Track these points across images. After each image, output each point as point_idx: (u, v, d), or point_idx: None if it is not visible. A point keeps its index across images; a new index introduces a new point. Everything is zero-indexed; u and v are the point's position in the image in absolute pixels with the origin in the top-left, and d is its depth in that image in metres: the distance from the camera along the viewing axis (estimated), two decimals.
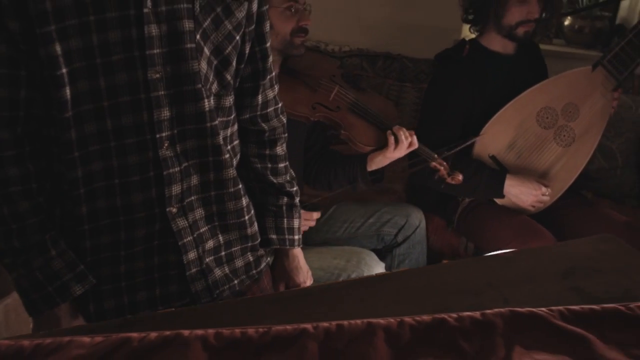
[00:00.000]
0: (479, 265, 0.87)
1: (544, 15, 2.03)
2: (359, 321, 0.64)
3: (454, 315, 0.67)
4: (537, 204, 1.98)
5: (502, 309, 0.68)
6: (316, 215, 1.74)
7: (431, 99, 2.12)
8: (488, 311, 0.67)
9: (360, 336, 0.63)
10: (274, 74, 1.15)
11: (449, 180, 1.83)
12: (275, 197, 1.21)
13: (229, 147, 1.08)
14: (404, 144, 1.70)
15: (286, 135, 1.22)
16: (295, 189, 1.24)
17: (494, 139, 2.00)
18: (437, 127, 2.01)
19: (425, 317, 0.66)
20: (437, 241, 2.19)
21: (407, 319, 0.66)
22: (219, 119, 1.02)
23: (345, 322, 0.64)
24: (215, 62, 0.99)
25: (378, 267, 1.77)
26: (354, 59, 2.97)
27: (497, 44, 2.06)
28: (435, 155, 1.82)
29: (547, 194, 1.98)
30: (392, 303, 0.73)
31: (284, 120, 1.20)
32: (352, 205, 1.99)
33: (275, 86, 1.16)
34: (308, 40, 3.03)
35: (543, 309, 0.69)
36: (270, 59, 1.12)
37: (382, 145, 1.72)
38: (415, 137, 1.74)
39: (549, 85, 2.01)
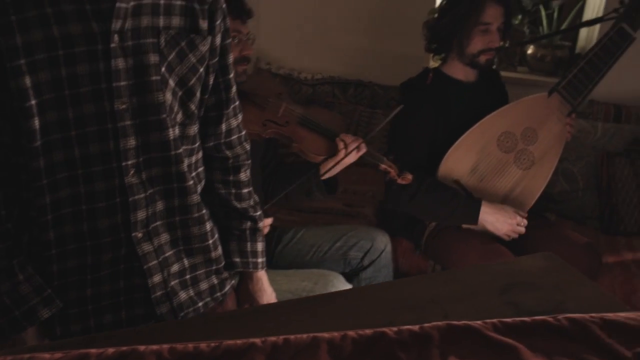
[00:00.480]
0: (424, 282, 0.92)
1: (502, 44, 2.13)
2: (304, 335, 0.69)
3: (394, 328, 0.71)
4: (511, 234, 2.02)
5: (439, 322, 0.73)
6: (268, 221, 1.78)
7: (398, 126, 2.18)
8: (426, 324, 0.73)
9: (305, 349, 0.67)
10: (237, 103, 1.20)
11: (400, 180, 1.91)
12: (239, 221, 1.25)
13: (193, 173, 1.12)
14: (354, 149, 1.79)
15: (250, 162, 1.26)
16: (258, 213, 1.28)
17: (457, 163, 2.06)
18: (405, 152, 2.07)
19: (367, 331, 0.71)
20: (406, 264, 2.23)
21: (350, 333, 0.70)
22: (183, 147, 1.06)
23: (292, 336, 0.69)
24: (179, 93, 1.04)
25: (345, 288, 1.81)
26: (326, 87, 3.04)
27: (460, 72, 2.15)
28: (385, 158, 1.91)
29: (522, 224, 2.02)
30: (339, 319, 0.78)
31: (248, 147, 1.25)
32: (320, 229, 2.03)
33: (239, 115, 1.21)
34: (282, 68, 3.14)
35: (478, 321, 0.74)
36: (234, 89, 1.17)
37: (333, 153, 1.79)
38: (363, 142, 1.82)
39: (509, 111, 2.09)
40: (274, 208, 1.99)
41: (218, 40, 1.08)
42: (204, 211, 1.14)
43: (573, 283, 0.90)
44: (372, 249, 1.92)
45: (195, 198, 1.11)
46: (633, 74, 2.84)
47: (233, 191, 1.23)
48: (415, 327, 0.72)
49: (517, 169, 2.09)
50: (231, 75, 1.15)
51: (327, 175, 1.83)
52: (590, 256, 2.04)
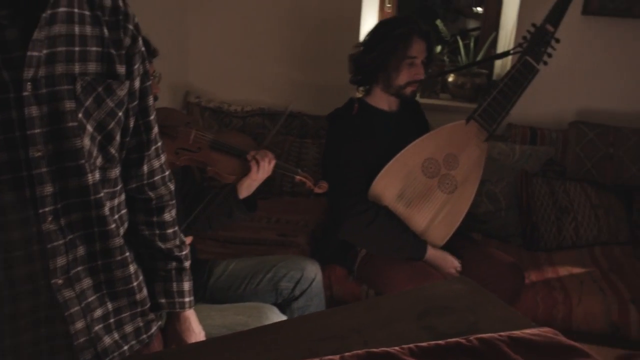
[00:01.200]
0: (347, 311, 0.96)
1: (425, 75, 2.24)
2: None
3: (317, 359, 0.75)
4: (447, 276, 2.12)
5: (359, 351, 0.77)
6: (188, 240, 1.78)
7: (328, 158, 2.24)
8: (347, 353, 0.76)
9: None
10: (160, 144, 1.20)
11: (316, 190, 1.99)
12: (164, 262, 1.24)
13: (115, 216, 1.11)
14: (265, 163, 1.84)
15: (174, 202, 1.26)
16: (184, 252, 1.28)
17: (385, 190, 2.13)
18: (341, 183, 2.13)
19: None
20: (340, 290, 2.28)
21: None
22: (104, 191, 1.06)
23: None
24: (98, 138, 1.03)
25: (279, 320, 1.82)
26: (256, 118, 3.08)
27: (384, 102, 2.24)
28: (299, 170, 1.99)
29: (458, 269, 2.14)
30: (265, 352, 0.80)
31: (172, 187, 1.25)
32: (251, 260, 2.03)
33: (162, 155, 1.21)
34: (212, 101, 3.15)
35: (396, 347, 0.78)
36: (155, 130, 1.17)
37: (246, 171, 1.84)
38: (272, 155, 1.88)
39: (430, 138, 2.19)
40: (198, 237, 2.00)
41: (137, 83, 1.08)
42: (127, 254, 1.13)
43: (485, 304, 0.96)
44: (302, 278, 1.94)
45: (118, 241, 1.10)
46: (546, 99, 3.04)
47: (157, 232, 1.22)
48: (336, 357, 0.75)
49: (442, 193, 2.18)
50: (152, 117, 1.15)
51: (245, 194, 1.86)
52: (515, 274, 2.15)
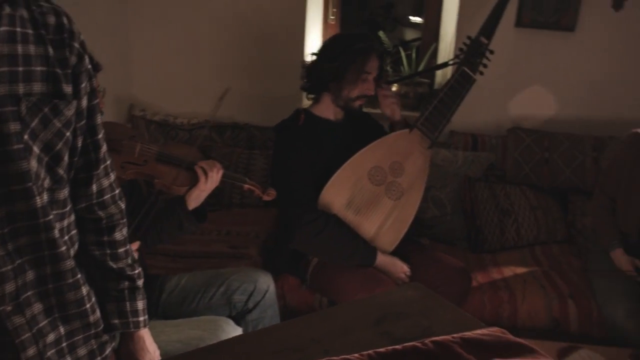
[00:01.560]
0: (305, 323, 0.98)
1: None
2: None
3: None
4: (397, 281, 2.16)
5: (321, 359, 0.79)
6: (135, 245, 1.77)
7: (277, 168, 2.26)
8: None
9: None
10: (109, 162, 1.18)
11: (265, 197, 2.02)
12: (116, 282, 1.22)
13: (65, 238, 1.08)
14: (212, 173, 1.84)
15: (125, 220, 1.24)
16: (137, 271, 1.26)
17: (334, 199, 2.17)
18: (289, 193, 2.16)
19: None
20: (293, 300, 2.30)
21: None
22: (53, 213, 1.03)
23: None
24: (46, 159, 1.01)
25: (235, 333, 1.82)
26: (203, 131, 3.07)
27: (330, 112, 2.28)
28: (246, 179, 2.01)
29: (408, 274, 2.19)
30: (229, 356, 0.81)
31: (122, 206, 1.23)
32: (203, 274, 2.01)
33: (111, 174, 1.19)
34: (157, 114, 3.12)
35: (355, 354, 0.81)
36: (104, 148, 1.15)
37: (194, 182, 1.84)
38: (219, 165, 1.88)
39: (376, 147, 2.23)
40: (148, 252, 1.98)
41: (84, 102, 1.06)
42: (79, 275, 1.10)
43: (437, 308, 1.00)
44: (255, 290, 1.94)
45: (69, 263, 1.07)
46: (485, 107, 3.16)
47: (108, 252, 1.20)
48: None
49: (389, 199, 2.23)
50: (100, 136, 1.13)
51: (194, 205, 1.86)
52: (463, 277, 2.23)
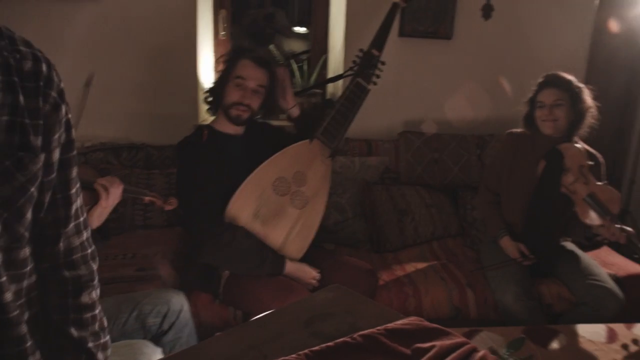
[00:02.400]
0: (238, 333, 1.02)
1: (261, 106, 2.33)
2: None
3: None
4: (308, 286, 2.24)
5: None
6: None
7: (182, 185, 2.26)
8: None
9: None
10: (82, 219, 1.07)
11: (166, 207, 2.04)
12: (73, 355, 1.06)
13: (21, 300, 0.98)
14: (113, 188, 1.83)
15: (96, 282, 1.13)
16: (102, 341, 1.11)
17: (240, 211, 2.21)
18: (196, 209, 2.17)
19: None
20: (208, 316, 2.28)
21: None
22: (8, 274, 0.93)
23: None
24: (4, 215, 0.91)
25: (155, 354, 1.79)
26: (98, 154, 2.97)
27: (229, 127, 2.32)
28: (147, 191, 2.02)
29: (317, 278, 2.26)
30: None
31: (94, 266, 1.12)
32: (114, 300, 1.92)
33: (84, 232, 1.08)
34: None
35: (293, 355, 0.86)
36: (76, 204, 1.05)
37: (96, 200, 1.81)
38: (119, 180, 1.87)
39: (279, 159, 2.30)
40: None
41: (56, 155, 0.96)
42: (27, 344, 0.97)
43: (359, 305, 1.08)
44: (169, 311, 1.89)
45: (19, 330, 0.95)
46: (377, 113, 3.32)
47: (72, 316, 1.06)
48: None
49: (294, 209, 2.30)
50: (72, 191, 1.03)
51: (97, 223, 1.82)
52: (370, 277, 2.33)
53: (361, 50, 2.43)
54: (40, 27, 2.93)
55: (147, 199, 1.98)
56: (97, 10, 2.94)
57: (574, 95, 2.47)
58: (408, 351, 0.91)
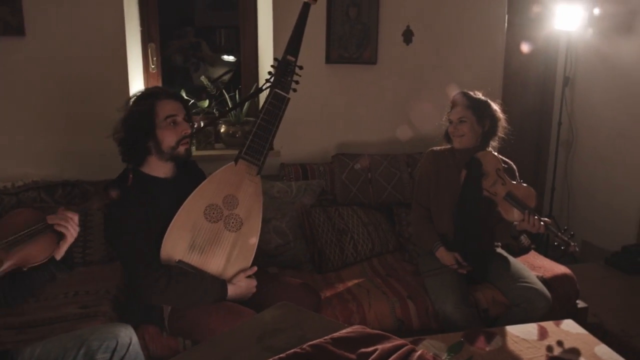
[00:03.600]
0: (196, 354, 1.07)
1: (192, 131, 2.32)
2: None
3: None
4: (250, 294, 2.29)
5: None
6: None
7: (111, 232, 2.22)
8: None
9: None
10: None
11: (113, 197, 1.94)
12: None
13: None
14: (72, 221, 1.80)
15: None
16: None
17: (175, 245, 2.20)
18: (128, 256, 2.15)
19: None
20: (158, 348, 2.27)
21: None
22: None
23: None
24: None
25: None
26: (31, 193, 2.91)
27: (159, 170, 2.29)
28: (88, 202, 2.01)
29: (253, 284, 2.29)
30: None
31: None
32: (59, 340, 1.89)
33: None
34: None
35: None
36: None
37: (59, 239, 1.80)
38: (62, 207, 1.84)
39: (205, 187, 2.30)
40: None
41: None
42: None
43: (306, 319, 1.15)
44: (118, 345, 1.87)
45: None
46: (310, 138, 3.45)
47: None
48: None
49: (230, 232, 2.29)
50: None
51: (61, 255, 1.82)
52: (310, 293, 2.38)
53: (276, 59, 2.41)
54: None
55: (94, 206, 1.95)
56: (23, 48, 2.91)
57: (478, 110, 2.69)
58: (354, 356, 0.99)
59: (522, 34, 4.06)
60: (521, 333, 2.20)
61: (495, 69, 3.81)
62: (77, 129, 3.06)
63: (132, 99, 2.30)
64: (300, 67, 2.39)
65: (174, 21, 4.51)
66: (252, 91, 3.10)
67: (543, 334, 2.20)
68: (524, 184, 2.60)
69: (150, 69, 3.40)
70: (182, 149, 2.26)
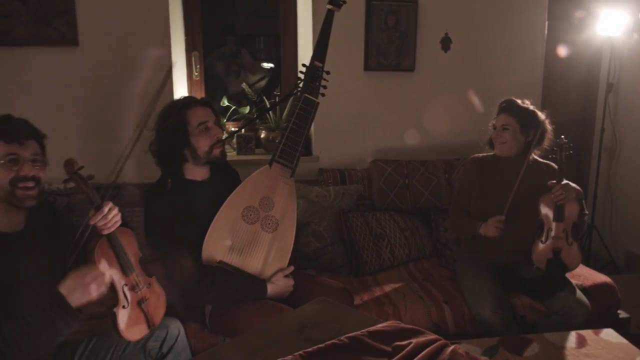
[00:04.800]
0: (241, 341, 1.13)
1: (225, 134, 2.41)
2: None
3: None
4: (288, 292, 2.34)
5: None
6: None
7: (152, 237, 2.28)
8: None
9: None
10: None
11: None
12: None
13: None
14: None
15: None
16: None
17: (215, 247, 2.27)
18: (171, 259, 2.21)
19: None
20: (198, 344, 2.33)
21: None
22: None
23: None
24: None
25: None
26: (81, 194, 3.01)
27: (196, 173, 2.38)
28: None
29: (290, 284, 2.34)
30: None
31: None
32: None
33: None
34: None
35: (289, 356, 0.98)
36: None
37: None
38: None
39: (242, 190, 2.36)
40: None
41: None
42: None
43: (344, 314, 1.20)
44: (168, 335, 2.00)
45: None
46: (348, 144, 3.50)
47: None
48: None
49: (267, 233, 2.36)
50: None
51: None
52: (344, 295, 2.42)
53: (304, 65, 2.46)
54: (24, 75, 3.03)
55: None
56: (77, 57, 3.06)
57: (523, 119, 2.68)
58: (389, 349, 1.03)
59: (563, 39, 4.02)
60: (559, 340, 2.18)
61: (535, 76, 3.79)
62: (125, 133, 3.18)
63: (167, 108, 2.38)
64: (328, 72, 2.44)
65: (216, 30, 4.64)
66: (282, 96, 3.16)
67: (581, 342, 2.18)
68: (576, 247, 2.62)
69: (194, 77, 3.51)
70: (217, 152, 2.35)
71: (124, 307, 1.82)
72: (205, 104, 2.38)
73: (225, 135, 2.36)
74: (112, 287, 1.81)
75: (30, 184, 1.73)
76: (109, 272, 1.79)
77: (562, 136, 2.63)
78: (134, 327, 1.85)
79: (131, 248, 1.90)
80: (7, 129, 1.72)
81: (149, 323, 1.92)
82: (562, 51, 3.96)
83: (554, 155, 2.63)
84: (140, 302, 1.90)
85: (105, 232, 1.80)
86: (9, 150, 1.71)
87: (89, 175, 1.80)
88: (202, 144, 2.31)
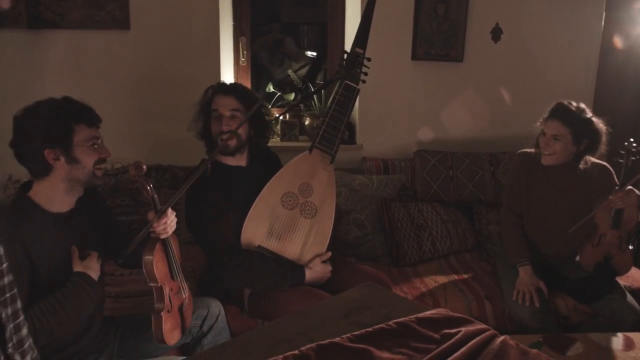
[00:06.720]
0: (286, 323, 1.13)
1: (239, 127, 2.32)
2: None
3: (280, 356, 0.92)
4: (326, 277, 2.36)
5: (311, 345, 0.95)
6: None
7: (193, 221, 2.31)
8: (302, 348, 0.94)
9: None
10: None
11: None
12: None
13: None
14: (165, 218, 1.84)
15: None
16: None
17: (254, 232, 2.29)
18: (210, 243, 2.25)
19: None
20: (237, 326, 2.36)
21: None
22: None
23: None
24: None
25: None
26: (127, 175, 3.10)
27: (229, 159, 2.38)
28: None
29: (328, 270, 2.35)
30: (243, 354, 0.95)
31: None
32: None
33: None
34: None
35: (337, 338, 0.98)
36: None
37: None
38: (153, 214, 1.84)
39: (282, 175, 2.37)
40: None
41: None
42: None
43: (392, 299, 1.19)
44: (208, 314, 2.04)
45: None
46: (392, 133, 3.47)
47: None
48: (296, 352, 0.92)
49: (305, 219, 2.37)
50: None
51: None
52: (383, 284, 2.38)
53: (345, 51, 2.44)
54: (78, 57, 3.11)
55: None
56: (128, 40, 3.12)
57: (577, 130, 2.45)
58: (437, 336, 1.02)
59: (621, 32, 3.87)
60: (604, 341, 2.11)
61: (588, 70, 3.67)
62: (170, 117, 3.23)
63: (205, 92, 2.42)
64: (369, 59, 2.42)
65: (262, 18, 4.66)
66: (323, 83, 3.14)
67: (629, 344, 2.11)
68: (629, 253, 2.52)
69: (241, 62, 3.54)
70: (220, 143, 2.26)
71: (168, 311, 1.85)
72: (229, 92, 2.34)
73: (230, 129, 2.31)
74: (160, 291, 1.83)
75: (104, 166, 1.82)
76: (160, 275, 1.84)
77: (631, 139, 2.44)
78: (173, 332, 1.88)
79: (177, 252, 1.95)
80: (89, 113, 1.77)
81: (184, 328, 1.95)
82: (619, 43, 3.81)
83: (620, 160, 2.43)
84: (181, 307, 1.94)
85: (163, 236, 1.85)
86: (93, 134, 1.77)
87: (153, 182, 1.88)
88: (213, 131, 2.32)
